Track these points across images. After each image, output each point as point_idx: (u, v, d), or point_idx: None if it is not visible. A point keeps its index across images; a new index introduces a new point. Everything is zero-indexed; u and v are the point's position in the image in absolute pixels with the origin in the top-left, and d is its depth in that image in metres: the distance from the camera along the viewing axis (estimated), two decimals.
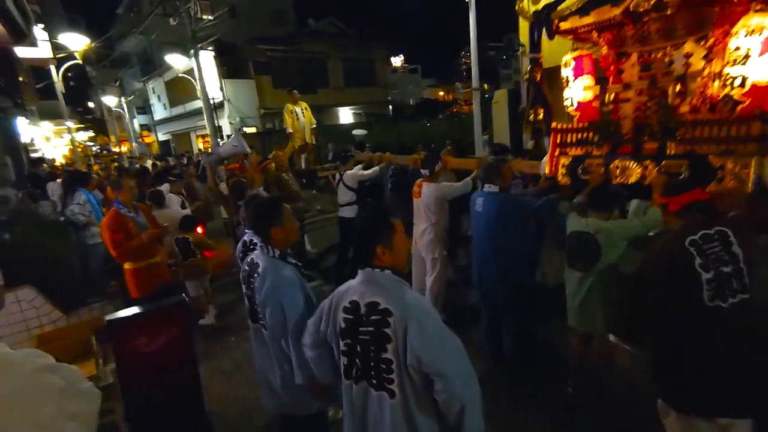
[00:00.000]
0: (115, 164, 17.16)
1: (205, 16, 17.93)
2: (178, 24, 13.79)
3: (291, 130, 7.26)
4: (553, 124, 3.20)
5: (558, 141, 3.12)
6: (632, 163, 2.65)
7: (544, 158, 3.23)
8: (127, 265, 3.66)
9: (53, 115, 22.98)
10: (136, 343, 2.39)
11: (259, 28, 22.23)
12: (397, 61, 67.88)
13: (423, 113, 27.17)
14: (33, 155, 28.10)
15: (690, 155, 2.36)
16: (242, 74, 19.41)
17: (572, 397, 2.88)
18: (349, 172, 4.82)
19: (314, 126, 7.70)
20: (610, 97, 2.96)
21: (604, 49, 2.95)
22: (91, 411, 1.11)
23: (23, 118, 20.72)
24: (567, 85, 3.17)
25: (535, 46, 3.26)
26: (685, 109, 2.54)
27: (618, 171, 2.73)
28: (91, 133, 34.89)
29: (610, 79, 2.98)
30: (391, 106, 26.69)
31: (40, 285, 3.82)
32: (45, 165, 12.92)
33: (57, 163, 20.85)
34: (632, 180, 2.65)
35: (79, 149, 27.54)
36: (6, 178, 5.31)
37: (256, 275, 1.89)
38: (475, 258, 3.16)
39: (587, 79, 3.04)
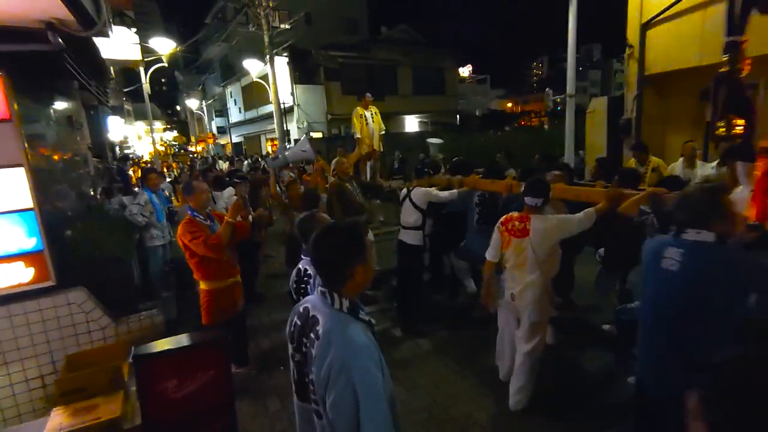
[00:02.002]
0: (188, 163, 18.02)
1: (282, 25, 18.60)
2: (256, 31, 14.30)
3: (359, 135, 6.83)
4: (765, 143, 2.19)
5: None
6: None
7: (740, 192, 2.25)
8: (203, 285, 3.13)
9: (146, 116, 24.99)
10: (164, 386, 1.94)
11: (332, 35, 22.58)
12: (465, 71, 66.79)
13: (489, 125, 26.02)
14: (126, 152, 31.09)
15: None
16: (313, 80, 19.73)
17: None
18: (420, 189, 4.08)
19: (383, 132, 7.22)
20: None
21: None
22: None
23: (118, 117, 22.78)
24: None
25: (738, 26, 2.32)
26: None
27: None
28: (175, 133, 37.96)
29: None
30: (459, 116, 25.84)
31: (94, 287, 3.64)
32: (130, 161, 13.73)
33: (143, 161, 22.48)
34: None
35: (163, 147, 29.90)
36: (82, 174, 5.34)
37: (312, 336, 1.31)
38: (647, 343, 1.91)
39: None
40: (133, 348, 2.00)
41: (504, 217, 2.82)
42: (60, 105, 4.96)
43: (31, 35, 3.12)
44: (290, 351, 1.44)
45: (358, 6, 27.29)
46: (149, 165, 12.81)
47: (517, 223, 2.70)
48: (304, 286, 1.98)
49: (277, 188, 4.72)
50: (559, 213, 2.91)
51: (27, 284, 3.26)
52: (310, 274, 1.97)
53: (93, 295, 3.57)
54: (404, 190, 4.31)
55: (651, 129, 6.16)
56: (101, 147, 9.42)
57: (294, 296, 2.13)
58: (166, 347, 2.00)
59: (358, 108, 6.92)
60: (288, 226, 4.38)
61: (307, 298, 1.47)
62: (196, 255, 2.92)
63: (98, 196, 6.28)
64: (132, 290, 4.16)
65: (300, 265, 2.06)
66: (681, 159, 5.01)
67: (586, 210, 2.68)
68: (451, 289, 4.80)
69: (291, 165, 8.26)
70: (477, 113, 48.42)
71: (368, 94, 7.02)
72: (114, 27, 9.61)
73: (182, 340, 2.11)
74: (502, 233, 2.77)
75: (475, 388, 3.20)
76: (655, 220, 2.41)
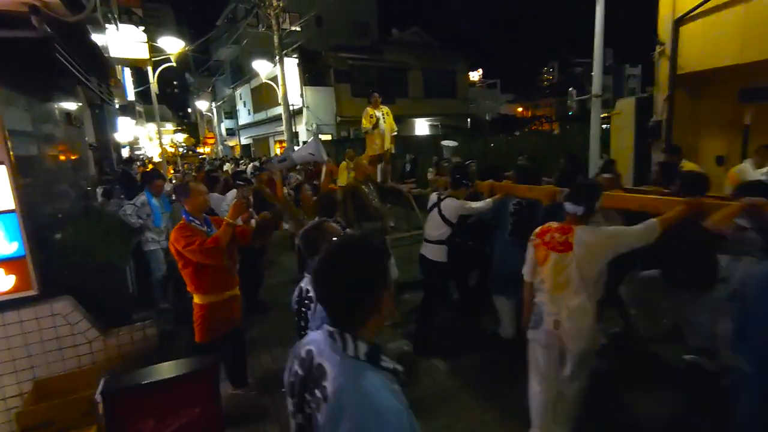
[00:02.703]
0: (196, 164, 17.82)
1: (292, 27, 18.47)
2: (267, 32, 14.12)
3: (370, 133, 6.50)
4: None
5: None
6: None
7: None
8: (197, 298, 2.76)
9: (159, 118, 25.06)
10: (139, 427, 1.61)
11: (342, 38, 22.39)
12: (474, 75, 66.37)
13: (499, 129, 25.61)
14: (136, 153, 31.16)
15: None
16: (322, 82, 19.53)
17: None
18: (452, 200, 3.60)
19: (395, 133, 6.90)
20: None
21: None
22: None
23: (128, 118, 22.80)
24: None
25: None
26: None
27: None
28: (185, 135, 38.12)
29: None
30: (469, 120, 25.46)
31: (83, 296, 3.35)
32: (137, 163, 13.52)
33: (151, 161, 22.45)
34: None
35: (172, 148, 29.92)
36: (80, 174, 5.08)
37: (318, 393, 0.96)
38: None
39: None
40: (103, 380, 1.68)
41: (540, 227, 2.42)
42: (56, 100, 4.71)
43: (13, 20, 2.84)
44: (290, 408, 1.09)
45: (369, 8, 27.12)
46: (155, 167, 12.60)
47: (557, 234, 2.27)
48: (304, 310, 1.65)
49: (285, 191, 4.40)
50: (611, 224, 2.50)
51: (6, 293, 2.97)
52: (311, 297, 1.63)
53: (80, 305, 3.27)
54: (433, 198, 3.85)
55: (681, 132, 5.75)
56: (106, 147, 9.22)
57: (296, 319, 1.80)
58: (143, 380, 1.68)
59: (368, 108, 6.60)
60: (297, 230, 4.05)
61: (310, 336, 1.12)
62: (191, 264, 2.61)
63: (99, 198, 6.04)
64: (126, 299, 3.87)
65: (302, 284, 1.73)
66: (747, 162, 4.68)
67: (647, 221, 2.24)
68: (475, 306, 4.39)
69: (298, 167, 7.97)
70: (487, 117, 47.96)
71: (376, 94, 6.70)
72: (121, 25, 9.47)
73: (162, 370, 1.79)
74: (538, 247, 2.37)
75: (500, 421, 2.83)
76: (760, 237, 1.97)
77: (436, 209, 3.67)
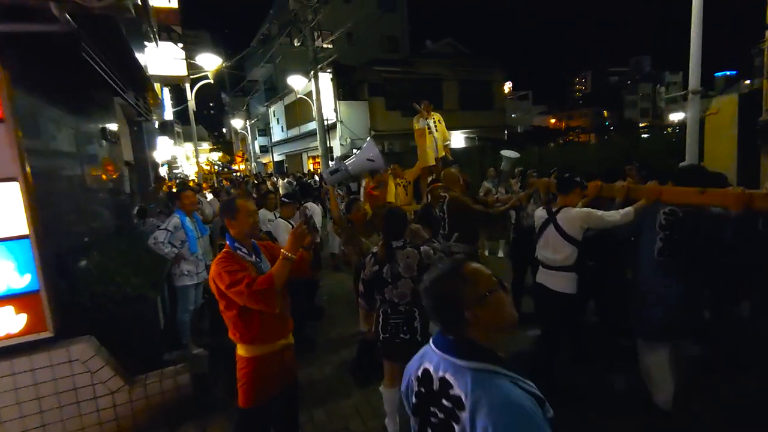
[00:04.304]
0: (226, 182, 17.67)
1: (325, 45, 18.45)
2: (301, 49, 13.99)
3: (426, 149, 5.84)
4: None
5: None
6: None
7: None
8: (242, 350, 2.10)
9: (197, 138, 25.72)
10: None
11: (374, 54, 22.22)
12: (505, 87, 65.45)
13: (533, 141, 24.53)
14: (175, 171, 32.01)
15: None
16: (356, 96, 19.30)
17: None
18: (571, 210, 2.85)
19: (448, 143, 6.23)
20: None
21: None
22: None
23: (167, 137, 23.33)
24: None
25: None
26: None
27: None
28: (221, 154, 39.13)
29: None
30: (506, 131, 24.55)
31: (107, 335, 2.84)
32: (168, 182, 13.24)
33: (191, 182, 22.76)
34: None
35: (208, 166, 30.51)
36: (113, 192, 4.69)
37: (446, 402, 1.01)
38: None
39: None
40: None
41: None
42: (87, 111, 4.36)
43: (33, 12, 2.41)
44: (414, 426, 1.13)
45: (399, 23, 27.04)
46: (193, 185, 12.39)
47: None
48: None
49: (340, 208, 3.76)
50: None
51: (16, 335, 2.47)
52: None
53: (102, 347, 2.75)
54: (539, 214, 3.11)
55: None
56: (143, 165, 9.04)
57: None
58: None
59: (418, 117, 5.98)
60: (354, 256, 3.40)
61: (422, 354, 1.17)
62: (234, 306, 2.00)
63: (134, 218, 5.68)
64: (156, 336, 3.33)
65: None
66: None
67: None
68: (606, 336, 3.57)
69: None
70: (519, 130, 46.72)
71: (425, 101, 6.08)
72: (160, 42, 9.40)
73: None
74: None
75: None
76: None
77: (551, 226, 2.93)
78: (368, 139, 3.40)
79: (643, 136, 8.64)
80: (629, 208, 2.77)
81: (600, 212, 2.81)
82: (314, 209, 5.40)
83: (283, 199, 4.09)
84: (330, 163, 12.90)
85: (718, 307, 3.32)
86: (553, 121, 70.83)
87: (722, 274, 3.06)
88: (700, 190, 2.54)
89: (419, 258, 2.51)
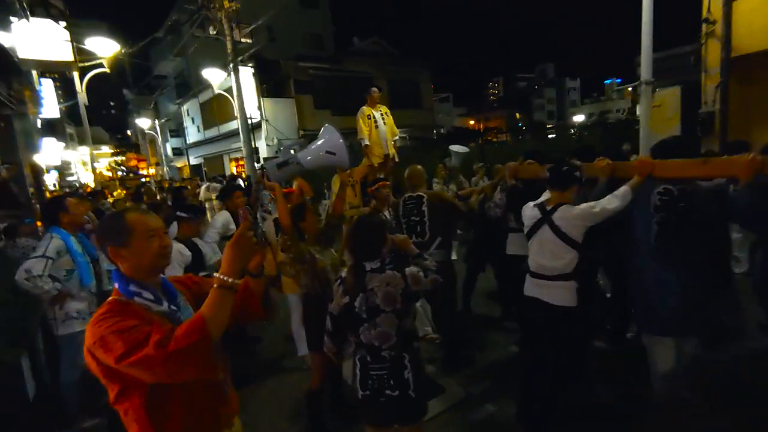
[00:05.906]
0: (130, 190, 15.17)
1: (243, 39, 16.99)
2: (216, 41, 12.54)
3: (368, 143, 5.23)
4: None
5: None
6: None
7: None
8: None
9: (94, 141, 22.47)
10: None
11: (297, 51, 21.16)
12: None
13: (457, 142, 25.37)
14: (69, 179, 27.58)
15: None
16: (282, 93, 18.11)
17: None
18: (570, 207, 2.38)
19: (397, 138, 5.67)
20: None
21: None
22: None
23: (55, 139, 19.92)
24: None
25: None
26: None
27: None
28: (126, 155, 34.85)
29: None
30: (434, 131, 24.92)
31: None
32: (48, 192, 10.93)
33: (88, 188, 19.70)
34: None
35: (109, 172, 26.84)
36: None
37: None
38: None
39: None
40: None
41: None
42: None
43: None
44: None
45: (321, 21, 26.14)
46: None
47: None
48: None
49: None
50: None
51: None
52: None
53: None
54: (530, 211, 2.57)
55: (732, 123, 4.98)
56: (17, 170, 7.24)
57: None
58: None
59: (364, 108, 5.35)
60: (304, 279, 2.61)
61: None
62: (136, 391, 1.18)
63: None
64: (23, 417, 2.26)
65: None
66: None
67: None
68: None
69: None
70: (443, 131, 48.39)
71: (374, 89, 5.48)
72: (34, 18, 7.61)
73: None
74: None
75: None
76: None
77: (546, 227, 2.42)
78: (326, 125, 2.63)
79: (549, 136, 8.99)
80: (625, 187, 2.33)
81: (599, 203, 2.34)
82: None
83: (178, 213, 3.03)
84: (256, 164, 11.71)
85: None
86: (472, 122, 74.58)
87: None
88: (703, 160, 2.22)
89: (404, 285, 1.84)
